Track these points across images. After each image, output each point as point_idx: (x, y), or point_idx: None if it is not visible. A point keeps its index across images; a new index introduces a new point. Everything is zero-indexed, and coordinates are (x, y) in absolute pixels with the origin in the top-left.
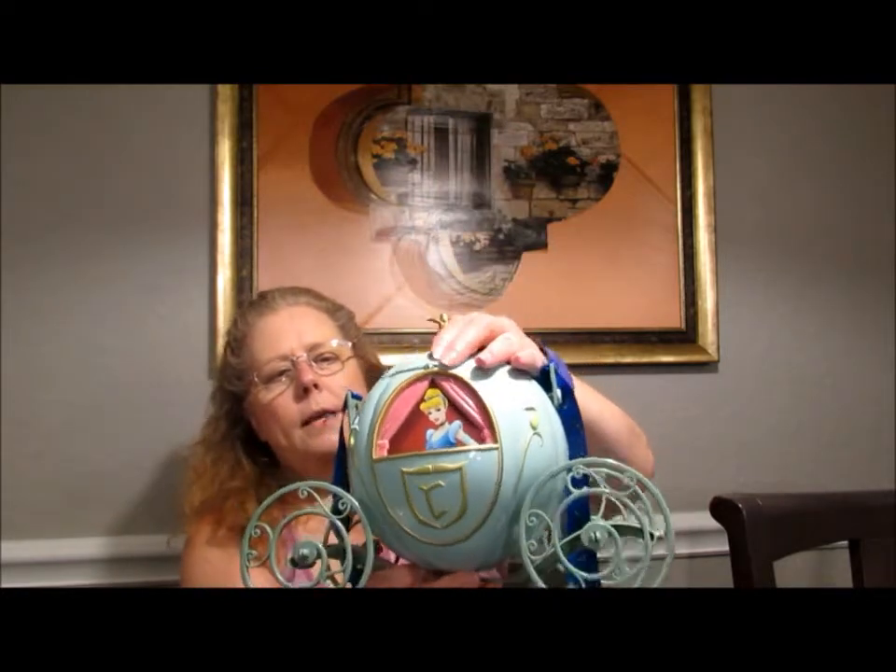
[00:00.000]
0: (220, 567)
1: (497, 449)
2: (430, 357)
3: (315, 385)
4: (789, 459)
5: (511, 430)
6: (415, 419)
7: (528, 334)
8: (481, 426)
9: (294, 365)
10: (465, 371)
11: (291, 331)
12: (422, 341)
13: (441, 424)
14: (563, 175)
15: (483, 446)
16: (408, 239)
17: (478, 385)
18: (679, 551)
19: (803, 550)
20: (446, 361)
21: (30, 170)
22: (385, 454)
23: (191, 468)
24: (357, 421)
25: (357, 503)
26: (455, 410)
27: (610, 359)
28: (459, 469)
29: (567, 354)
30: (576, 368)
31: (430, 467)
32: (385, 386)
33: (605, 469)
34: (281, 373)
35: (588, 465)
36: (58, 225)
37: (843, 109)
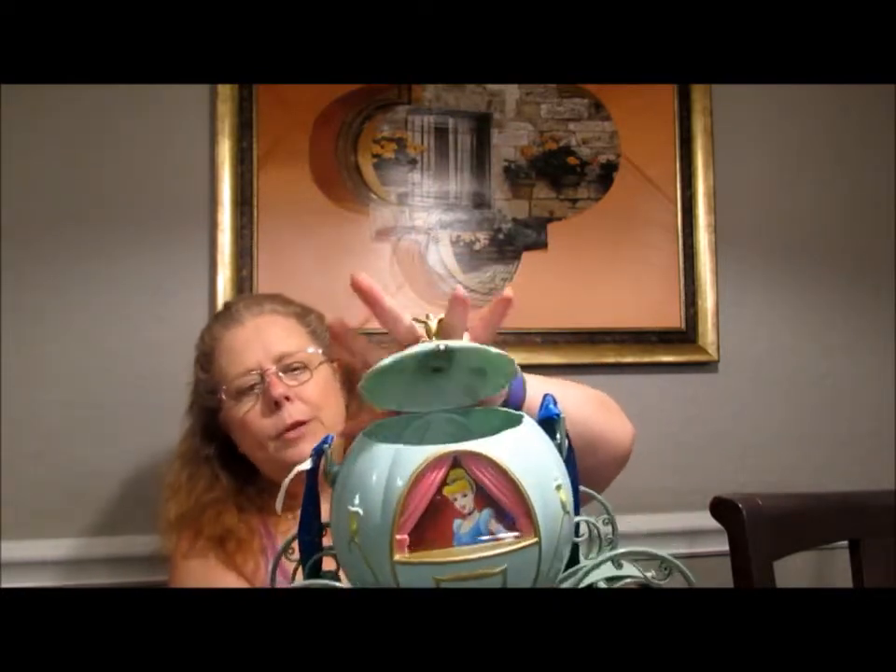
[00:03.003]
0: (202, 577)
1: (537, 543)
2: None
3: (287, 398)
4: (789, 459)
5: (548, 517)
6: (439, 506)
7: None
8: (516, 515)
9: (263, 378)
10: (492, 449)
11: (258, 343)
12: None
13: (470, 512)
14: (563, 174)
15: (524, 543)
16: (408, 239)
17: (509, 466)
18: (679, 550)
19: (803, 550)
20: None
21: (30, 170)
22: (407, 552)
23: (167, 484)
24: (357, 502)
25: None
26: (485, 495)
27: (610, 359)
28: (501, 573)
29: (567, 354)
30: (576, 368)
31: (467, 573)
32: (391, 461)
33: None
34: (250, 387)
35: (627, 556)
36: (58, 225)
37: (843, 109)
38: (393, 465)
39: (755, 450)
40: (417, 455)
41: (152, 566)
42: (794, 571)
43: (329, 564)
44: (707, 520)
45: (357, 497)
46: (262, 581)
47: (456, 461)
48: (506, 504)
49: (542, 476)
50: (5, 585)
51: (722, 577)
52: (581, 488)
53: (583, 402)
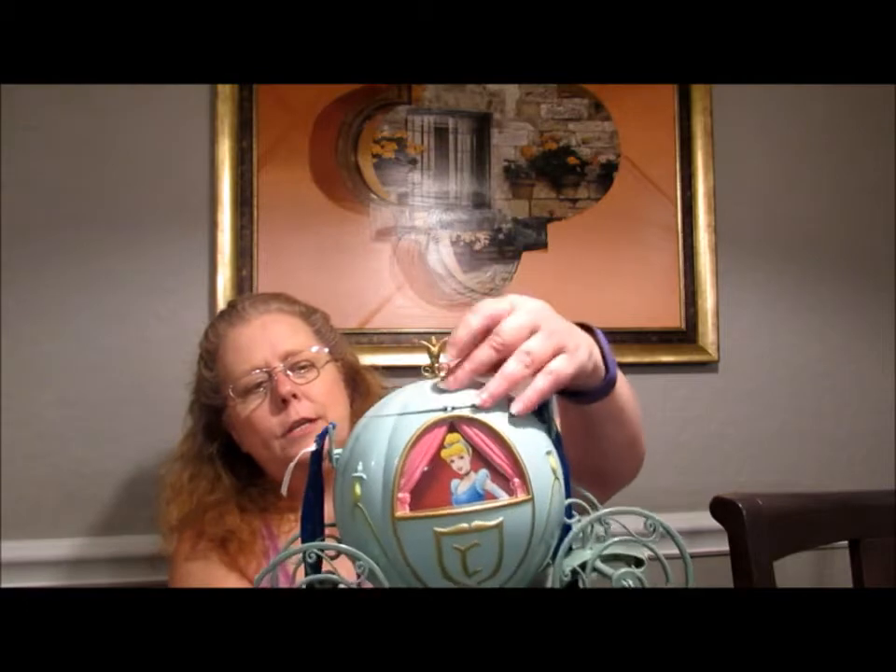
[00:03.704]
0: (203, 579)
1: (530, 501)
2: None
3: (294, 396)
4: (789, 459)
5: (539, 479)
6: (437, 469)
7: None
8: (510, 475)
9: (270, 376)
10: (486, 415)
11: (264, 341)
12: (421, 341)
13: (467, 473)
14: (563, 174)
15: (518, 499)
16: (408, 239)
17: (503, 431)
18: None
19: (803, 550)
20: (446, 387)
21: (30, 170)
22: (408, 509)
23: (168, 485)
24: (361, 468)
25: (375, 566)
26: (480, 457)
27: None
28: (498, 526)
29: None
30: None
31: (467, 526)
32: (392, 428)
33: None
34: (257, 385)
35: (615, 514)
36: (58, 225)
37: (843, 109)
38: (394, 432)
39: (755, 450)
40: (416, 421)
41: (152, 566)
42: (794, 571)
43: (327, 567)
44: (706, 520)
45: (361, 464)
46: (265, 582)
47: (453, 426)
48: (500, 465)
49: (533, 442)
50: (5, 585)
51: (722, 577)
52: (584, 496)
53: (638, 412)
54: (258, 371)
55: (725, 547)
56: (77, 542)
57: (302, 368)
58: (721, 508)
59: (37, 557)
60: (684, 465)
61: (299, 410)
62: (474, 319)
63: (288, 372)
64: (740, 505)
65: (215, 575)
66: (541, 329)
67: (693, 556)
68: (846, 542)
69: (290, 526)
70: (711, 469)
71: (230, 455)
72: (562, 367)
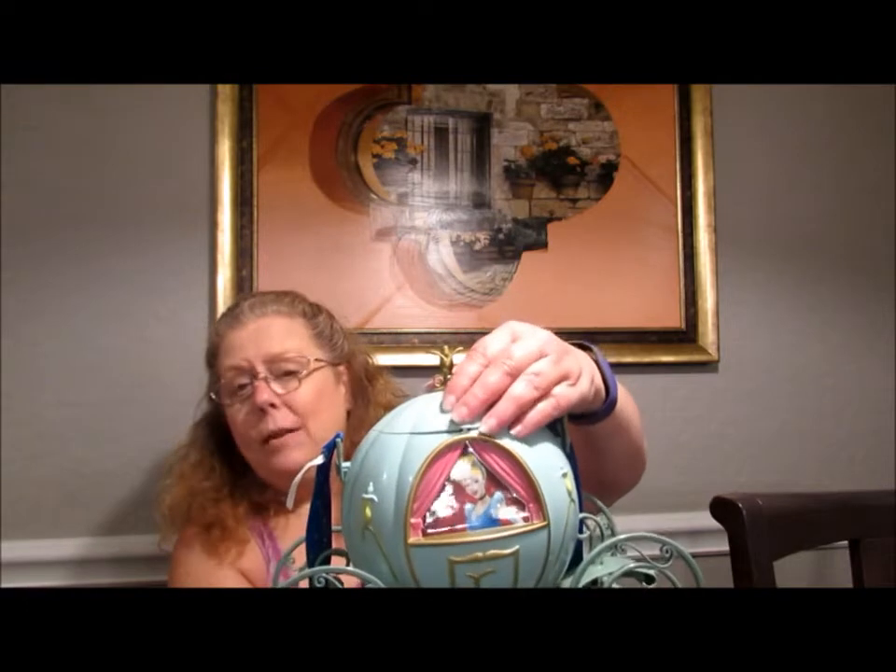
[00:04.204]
0: (190, 568)
1: (546, 527)
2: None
3: (273, 405)
4: (789, 459)
5: (555, 503)
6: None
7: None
8: (525, 500)
9: (251, 382)
10: (501, 436)
11: (252, 345)
12: (422, 341)
13: (481, 497)
14: (563, 174)
15: (533, 526)
16: (408, 239)
17: (519, 453)
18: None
19: (803, 550)
20: (457, 418)
21: (30, 170)
22: (421, 535)
23: (173, 468)
24: (371, 489)
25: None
26: (494, 480)
27: (611, 359)
28: (514, 554)
29: None
30: None
31: (482, 554)
32: (403, 448)
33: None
34: (240, 388)
35: (631, 539)
36: (58, 225)
37: (843, 109)
38: (406, 452)
39: (755, 450)
40: (429, 443)
41: (153, 566)
42: (794, 571)
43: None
44: (707, 520)
45: (371, 484)
46: (261, 581)
47: (466, 448)
48: (515, 488)
49: (548, 463)
50: (5, 585)
51: (722, 577)
52: (594, 504)
53: (639, 422)
54: (242, 374)
55: (725, 547)
56: (77, 542)
57: (288, 374)
58: (721, 508)
59: (38, 557)
60: (684, 465)
61: (277, 419)
62: (471, 367)
63: (270, 379)
64: (740, 505)
65: (214, 574)
66: (549, 355)
67: (693, 556)
68: (846, 542)
69: (287, 523)
70: (711, 469)
71: (230, 447)
72: (566, 393)
